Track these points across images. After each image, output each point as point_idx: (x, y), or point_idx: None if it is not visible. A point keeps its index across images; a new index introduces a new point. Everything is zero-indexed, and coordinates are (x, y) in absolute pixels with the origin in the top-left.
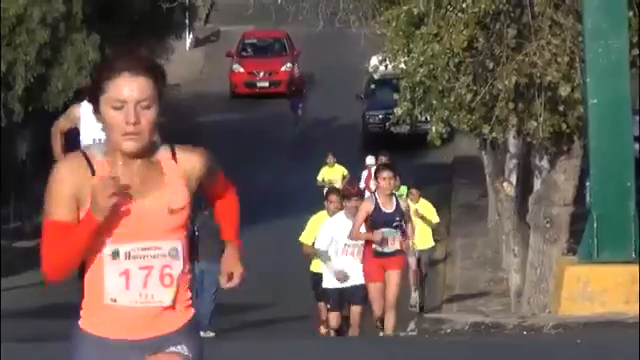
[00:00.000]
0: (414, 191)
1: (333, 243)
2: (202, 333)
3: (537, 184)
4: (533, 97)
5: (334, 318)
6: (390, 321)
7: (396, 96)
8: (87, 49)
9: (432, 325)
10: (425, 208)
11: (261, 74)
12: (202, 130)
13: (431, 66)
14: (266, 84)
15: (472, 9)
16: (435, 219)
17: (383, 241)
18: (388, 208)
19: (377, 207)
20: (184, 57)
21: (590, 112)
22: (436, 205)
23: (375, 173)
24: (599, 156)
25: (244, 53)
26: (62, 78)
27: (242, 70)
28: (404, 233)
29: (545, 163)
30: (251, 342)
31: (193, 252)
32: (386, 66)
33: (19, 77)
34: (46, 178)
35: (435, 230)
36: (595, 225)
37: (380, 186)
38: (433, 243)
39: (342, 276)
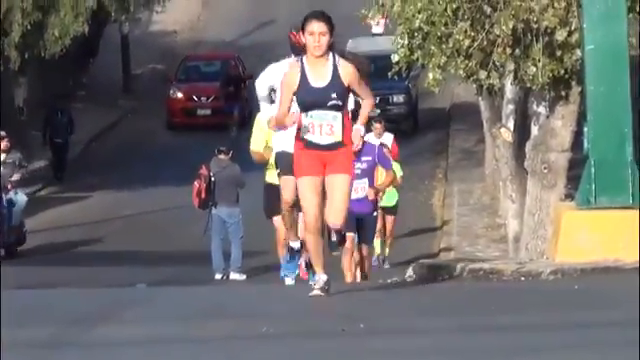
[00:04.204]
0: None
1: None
2: (237, 276)
3: (534, 130)
4: (531, 42)
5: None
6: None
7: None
8: None
9: (430, 271)
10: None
11: (202, 100)
12: None
13: (429, 12)
14: (208, 112)
15: None
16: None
17: (309, 128)
18: (319, 80)
19: (303, 78)
20: (181, 3)
21: (587, 57)
22: (434, 151)
23: (302, 27)
24: (596, 102)
25: (183, 77)
26: (59, 25)
27: (180, 96)
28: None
29: (542, 109)
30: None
31: (209, 197)
32: (383, 13)
33: (15, 24)
34: (45, 121)
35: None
36: (593, 171)
37: (307, 45)
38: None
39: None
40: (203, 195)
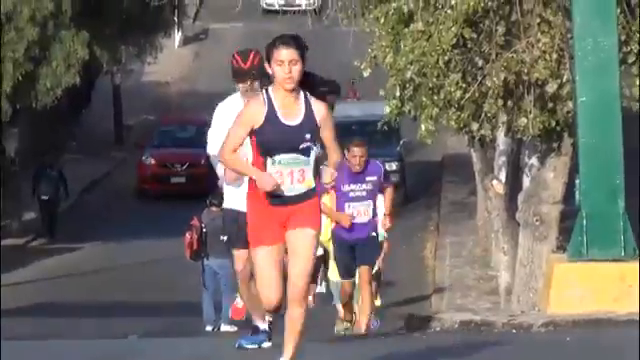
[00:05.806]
0: None
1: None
2: (228, 327)
3: (526, 182)
4: (522, 94)
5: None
6: (297, 314)
7: None
8: (76, 47)
9: (421, 323)
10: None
11: (177, 167)
12: None
13: (421, 63)
14: (182, 179)
15: (461, 6)
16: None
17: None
18: (291, 117)
19: (271, 114)
20: (173, 55)
21: (579, 110)
22: (425, 203)
23: (267, 56)
24: (588, 154)
25: (157, 142)
26: (51, 76)
27: (153, 162)
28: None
29: (534, 161)
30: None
31: (202, 248)
32: (376, 64)
33: (7, 75)
34: (34, 176)
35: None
36: (584, 223)
37: (275, 77)
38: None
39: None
40: (195, 246)
